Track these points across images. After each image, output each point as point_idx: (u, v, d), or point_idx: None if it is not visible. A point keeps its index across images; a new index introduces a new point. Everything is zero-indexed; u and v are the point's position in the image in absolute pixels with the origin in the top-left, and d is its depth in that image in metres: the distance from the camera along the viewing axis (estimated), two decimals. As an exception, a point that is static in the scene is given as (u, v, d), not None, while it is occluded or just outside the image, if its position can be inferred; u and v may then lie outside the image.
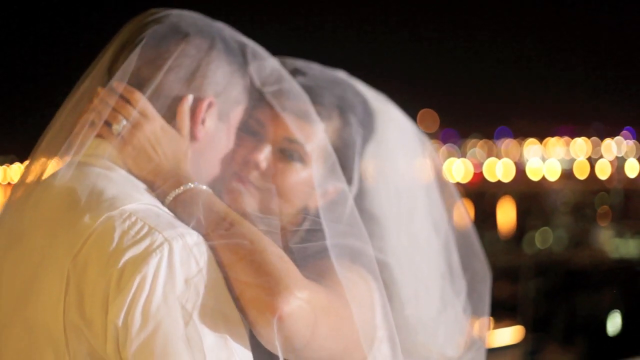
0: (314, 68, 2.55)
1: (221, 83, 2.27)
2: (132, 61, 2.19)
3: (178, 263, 1.95)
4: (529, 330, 18.18)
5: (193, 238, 2.01)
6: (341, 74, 2.61)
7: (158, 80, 2.19)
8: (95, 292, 1.94)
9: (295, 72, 2.48)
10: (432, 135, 34.31)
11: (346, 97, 2.54)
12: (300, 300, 2.01)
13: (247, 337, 2.03)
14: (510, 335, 18.16)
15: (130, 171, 2.18)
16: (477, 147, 36.99)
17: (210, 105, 2.24)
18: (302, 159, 2.43)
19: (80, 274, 1.96)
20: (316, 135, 2.45)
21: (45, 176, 2.23)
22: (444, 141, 34.43)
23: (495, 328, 18.26)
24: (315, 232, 2.35)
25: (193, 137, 2.25)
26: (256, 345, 2.07)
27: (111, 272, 1.92)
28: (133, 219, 2.00)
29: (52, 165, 2.23)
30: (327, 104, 2.49)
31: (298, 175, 2.43)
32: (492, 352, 17.36)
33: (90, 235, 1.98)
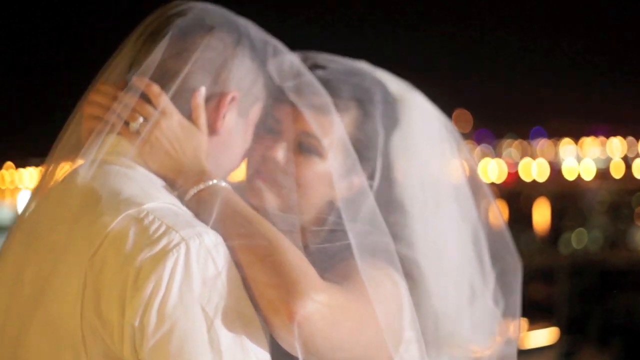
0: (334, 60, 2.52)
1: (244, 78, 2.26)
2: (158, 54, 2.18)
3: (195, 263, 1.93)
4: (565, 331, 18.09)
5: (211, 238, 1.99)
6: (362, 64, 2.57)
7: (184, 73, 2.18)
8: (112, 292, 1.93)
9: (314, 67, 2.45)
10: (466, 136, 34.13)
11: (365, 87, 2.50)
12: (317, 304, 1.98)
13: (265, 338, 2.02)
14: (545, 336, 18.09)
15: (149, 169, 2.17)
16: (512, 147, 36.77)
17: (232, 100, 2.23)
18: (320, 152, 2.39)
19: (97, 274, 1.95)
20: (333, 128, 2.42)
21: (65, 175, 2.22)
22: (478, 142, 34.24)
23: (530, 329, 18.20)
24: (337, 231, 2.33)
25: (214, 131, 2.24)
26: (277, 346, 2.06)
27: (128, 271, 1.92)
28: (151, 217, 1.99)
29: (71, 165, 2.22)
30: (345, 96, 2.46)
31: (317, 169, 2.39)
32: (527, 353, 17.35)
33: (107, 235, 1.97)
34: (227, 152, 2.30)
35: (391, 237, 2.34)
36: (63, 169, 2.25)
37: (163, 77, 2.18)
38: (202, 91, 2.20)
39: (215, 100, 2.22)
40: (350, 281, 2.18)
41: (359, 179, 2.44)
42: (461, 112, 31.73)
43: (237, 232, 2.06)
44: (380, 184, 2.49)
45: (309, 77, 2.40)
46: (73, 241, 2.03)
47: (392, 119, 2.52)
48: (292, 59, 2.40)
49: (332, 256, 2.28)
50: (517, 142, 36.95)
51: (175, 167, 2.19)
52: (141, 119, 2.16)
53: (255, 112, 2.32)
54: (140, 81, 2.17)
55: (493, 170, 33.90)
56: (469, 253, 2.58)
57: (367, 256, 2.24)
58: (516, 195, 31.19)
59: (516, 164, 36.01)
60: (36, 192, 2.29)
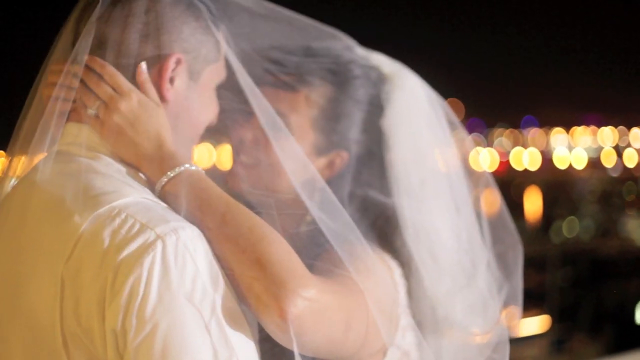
0: (306, 28, 2.46)
1: (189, 39, 2.14)
2: (92, 24, 2.08)
3: (172, 260, 1.86)
4: (556, 319, 18.14)
5: (187, 232, 1.91)
6: (339, 38, 2.51)
7: (119, 39, 2.07)
8: (90, 297, 1.86)
9: (281, 36, 2.41)
10: (457, 125, 34.15)
11: (338, 63, 2.45)
12: (307, 301, 1.94)
13: (250, 332, 1.96)
14: (536, 324, 18.13)
15: (115, 158, 2.07)
16: (503, 136, 36.85)
17: (178, 62, 2.12)
18: (289, 130, 2.30)
19: (74, 279, 1.89)
20: (300, 104, 2.38)
21: (25, 171, 2.13)
22: (470, 131, 34.05)
23: (521, 317, 18.23)
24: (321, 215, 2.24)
25: (162, 98, 2.12)
26: (264, 341, 2.05)
27: (105, 275, 1.85)
28: (123, 216, 1.91)
29: (31, 158, 2.12)
30: (312, 72, 2.41)
31: (286, 147, 2.28)
32: (518, 341, 17.38)
33: (80, 237, 1.90)
34: (184, 120, 2.18)
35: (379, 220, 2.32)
36: (23, 161, 2.15)
37: (100, 48, 2.08)
38: (144, 66, 2.10)
39: (158, 66, 2.11)
40: (341, 269, 2.14)
41: (340, 158, 2.41)
42: (452, 102, 31.74)
43: (214, 222, 1.99)
44: (367, 164, 2.45)
45: (267, 51, 2.37)
46: (43, 243, 1.96)
47: (378, 98, 2.47)
48: (250, 22, 2.33)
49: (321, 242, 2.22)
50: (508, 132, 37.04)
51: (141, 153, 2.08)
52: (98, 102, 2.07)
53: (209, 74, 2.21)
54: (93, 61, 2.08)
55: (484, 159, 33.89)
56: (463, 237, 2.53)
57: (359, 241, 2.19)
58: (507, 184, 31.23)
59: (507, 153, 36.09)
60: None
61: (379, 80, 2.48)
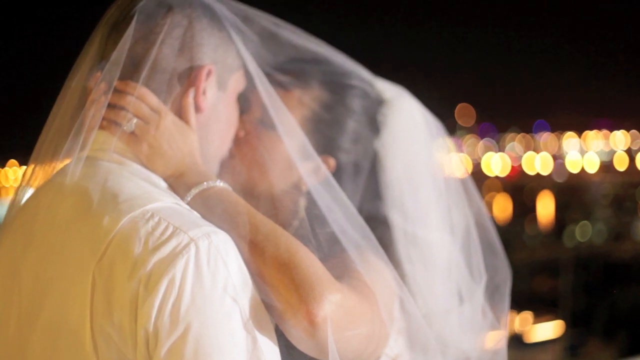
0: (312, 42, 2.48)
1: (217, 50, 2.20)
2: (127, 40, 2.14)
3: (205, 263, 1.90)
4: (569, 324, 18.11)
5: (219, 236, 1.94)
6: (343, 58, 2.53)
7: (153, 55, 2.13)
8: (123, 296, 1.89)
9: (284, 45, 2.43)
10: (469, 130, 34.17)
11: (333, 72, 2.48)
12: (333, 305, 1.97)
13: (275, 337, 1.99)
14: (550, 329, 18.11)
15: (144, 166, 2.12)
16: (515, 141, 36.82)
17: (209, 73, 2.17)
18: (279, 128, 2.31)
19: (107, 279, 1.91)
20: (292, 104, 2.41)
21: (52, 175, 2.15)
22: (482, 135, 34.32)
23: (535, 322, 18.21)
24: (318, 217, 2.26)
25: (197, 108, 2.18)
26: (285, 349, 2.06)
27: (138, 275, 1.88)
28: (156, 219, 1.94)
29: (57, 164, 2.16)
30: (306, 74, 2.43)
31: (275, 144, 2.34)
32: (532, 346, 17.35)
33: (113, 238, 1.93)
34: (215, 129, 2.24)
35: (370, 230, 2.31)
36: (49, 167, 2.20)
37: (133, 64, 2.13)
38: (192, 92, 2.15)
39: (192, 77, 2.17)
40: (355, 273, 2.17)
41: (327, 164, 2.42)
42: (465, 107, 31.77)
43: (243, 232, 2.05)
44: (360, 177, 2.48)
45: (274, 51, 2.40)
46: (74, 244, 1.99)
47: (374, 116, 2.51)
48: (258, 34, 2.36)
49: (326, 245, 2.24)
50: (520, 136, 37.00)
51: (174, 167, 2.16)
52: (135, 120, 2.14)
53: (234, 83, 2.26)
54: (125, 85, 2.14)
55: (496, 163, 33.92)
56: (458, 254, 2.55)
57: (368, 244, 2.23)
58: (520, 188, 31.21)
59: (519, 157, 36.05)
60: (22, 191, 2.24)
61: (378, 100, 2.52)
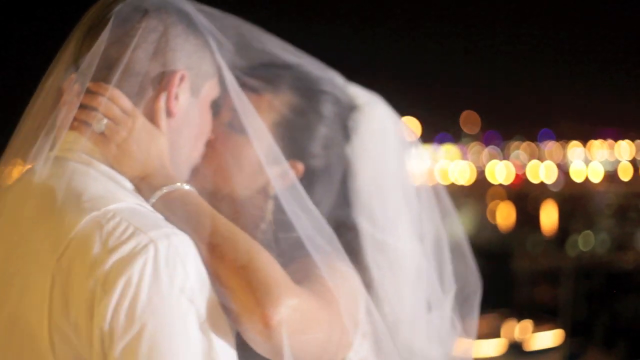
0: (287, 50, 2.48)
1: (191, 56, 2.23)
2: (102, 42, 2.14)
3: (163, 265, 1.92)
4: (570, 333, 18.09)
5: (179, 238, 1.98)
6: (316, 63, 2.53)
7: (127, 58, 2.14)
8: (80, 295, 1.91)
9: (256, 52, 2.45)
10: (474, 137, 34.19)
11: (311, 76, 2.49)
12: (289, 309, 1.99)
13: (233, 339, 2.02)
14: (550, 338, 18.11)
15: (112, 166, 2.14)
16: (520, 149, 36.81)
17: (182, 78, 2.20)
18: (247, 131, 2.33)
19: (65, 277, 1.93)
20: (262, 107, 2.41)
21: (22, 173, 2.19)
22: (487, 143, 34.32)
23: (535, 331, 18.20)
24: (284, 222, 2.28)
25: (169, 113, 2.21)
26: (242, 350, 2.08)
27: (96, 275, 1.90)
28: (117, 219, 1.97)
29: (28, 164, 2.18)
30: (278, 78, 2.46)
31: (244, 148, 2.37)
32: (531, 354, 17.34)
33: (74, 237, 1.95)
34: (186, 134, 2.26)
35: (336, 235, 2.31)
36: (20, 167, 2.22)
37: (107, 67, 2.15)
38: (164, 96, 2.18)
39: (164, 82, 2.19)
40: (317, 277, 2.19)
41: (295, 169, 2.44)
42: (469, 114, 31.77)
43: (204, 235, 2.05)
44: (328, 182, 2.49)
45: (246, 54, 2.40)
46: (36, 242, 2.00)
47: (345, 122, 2.53)
48: (240, 38, 2.39)
49: (290, 250, 2.27)
50: (525, 144, 36.99)
51: (142, 169, 2.17)
52: (105, 120, 2.14)
53: (207, 90, 2.29)
54: (98, 86, 2.15)
55: (501, 171, 33.92)
56: (427, 262, 2.57)
57: (331, 247, 2.25)
58: (524, 197, 31.19)
59: (524, 165, 36.03)
60: None
61: (350, 106, 2.55)
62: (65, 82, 2.19)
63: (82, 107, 2.16)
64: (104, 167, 2.13)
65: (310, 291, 2.14)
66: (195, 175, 2.38)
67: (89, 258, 1.92)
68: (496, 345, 16.81)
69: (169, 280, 1.91)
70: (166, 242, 1.95)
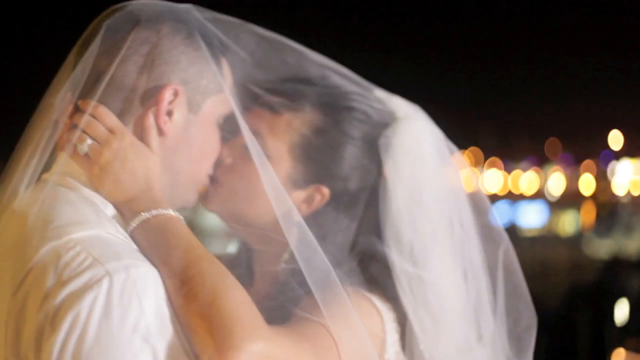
0: (314, 61, 2.39)
1: (187, 70, 2.07)
2: (90, 55, 2.02)
3: (117, 299, 1.79)
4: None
5: (140, 270, 1.85)
6: (346, 75, 2.41)
7: (112, 71, 2.01)
8: (30, 330, 1.81)
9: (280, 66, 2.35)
10: (555, 162, 34.73)
11: (337, 91, 2.36)
12: (253, 355, 1.86)
13: None
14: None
15: (97, 190, 2.03)
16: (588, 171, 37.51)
17: (175, 94, 2.05)
18: (266, 153, 2.17)
19: (19, 311, 1.84)
20: (280, 128, 2.29)
21: (7, 199, 2.08)
22: (562, 166, 34.99)
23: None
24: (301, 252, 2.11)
25: (160, 132, 2.06)
26: None
27: (47, 309, 1.79)
28: (77, 249, 1.85)
29: (23, 187, 2.07)
30: (299, 95, 2.32)
31: (262, 172, 2.14)
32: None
33: (32, 268, 1.85)
34: (185, 154, 2.12)
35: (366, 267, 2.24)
36: (16, 189, 2.09)
37: (96, 79, 2.03)
38: (153, 112, 2.05)
39: (154, 98, 2.05)
40: (317, 317, 2.08)
41: (320, 194, 2.31)
42: (553, 141, 32.59)
43: (174, 268, 1.92)
44: (356, 206, 2.35)
45: (265, 73, 2.31)
46: (4, 272, 1.93)
47: (376, 140, 2.36)
48: (242, 54, 2.26)
49: (299, 284, 2.14)
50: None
51: (127, 191, 2.03)
52: (89, 141, 2.02)
53: (210, 106, 2.13)
54: (85, 104, 2.03)
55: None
56: (469, 303, 2.39)
57: (338, 285, 2.11)
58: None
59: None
60: None
61: (382, 122, 2.37)
62: (63, 102, 2.07)
63: (72, 126, 2.05)
64: (88, 191, 2.02)
65: (293, 333, 2.00)
66: (215, 200, 2.28)
67: (42, 291, 1.80)
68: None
69: (121, 317, 1.79)
70: (124, 274, 1.81)
